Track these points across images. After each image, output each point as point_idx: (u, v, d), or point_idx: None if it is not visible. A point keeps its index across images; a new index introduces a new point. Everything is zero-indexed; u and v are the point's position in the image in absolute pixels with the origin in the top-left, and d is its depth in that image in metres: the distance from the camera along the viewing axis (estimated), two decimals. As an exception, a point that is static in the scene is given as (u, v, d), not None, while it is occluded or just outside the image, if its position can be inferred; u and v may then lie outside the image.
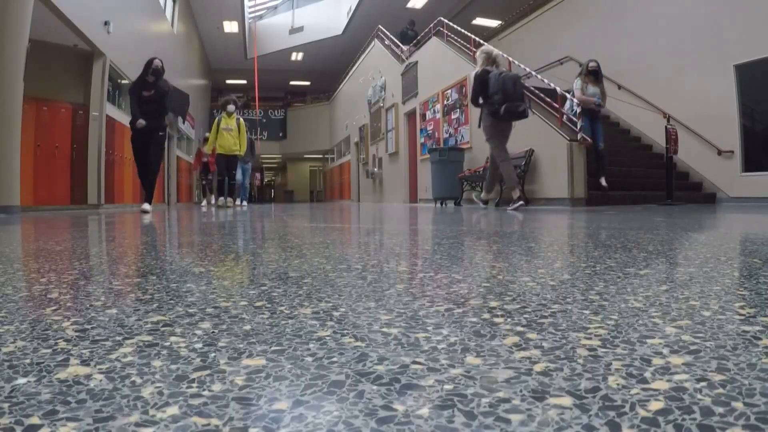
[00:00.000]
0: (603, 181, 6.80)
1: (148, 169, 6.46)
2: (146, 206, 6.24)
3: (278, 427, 0.35)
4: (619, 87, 8.95)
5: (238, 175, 11.46)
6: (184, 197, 16.67)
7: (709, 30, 7.36)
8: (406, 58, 12.97)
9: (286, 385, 0.43)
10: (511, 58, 8.54)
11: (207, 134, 9.20)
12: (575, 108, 6.89)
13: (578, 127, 6.73)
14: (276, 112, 25.25)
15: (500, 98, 5.57)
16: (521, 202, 5.73)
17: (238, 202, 11.54)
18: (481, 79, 5.76)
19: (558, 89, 7.20)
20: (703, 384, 0.42)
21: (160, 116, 6.48)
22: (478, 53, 6.27)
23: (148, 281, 1.02)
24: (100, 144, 8.96)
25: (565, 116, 7.11)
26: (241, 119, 9.19)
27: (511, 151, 7.79)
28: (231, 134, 8.88)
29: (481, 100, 5.89)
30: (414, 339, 0.57)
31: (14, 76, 5.75)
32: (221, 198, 9.03)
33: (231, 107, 9.00)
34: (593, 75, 7.18)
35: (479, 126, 6.20)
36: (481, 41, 10.29)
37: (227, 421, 0.36)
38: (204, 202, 12.69)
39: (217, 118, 9.03)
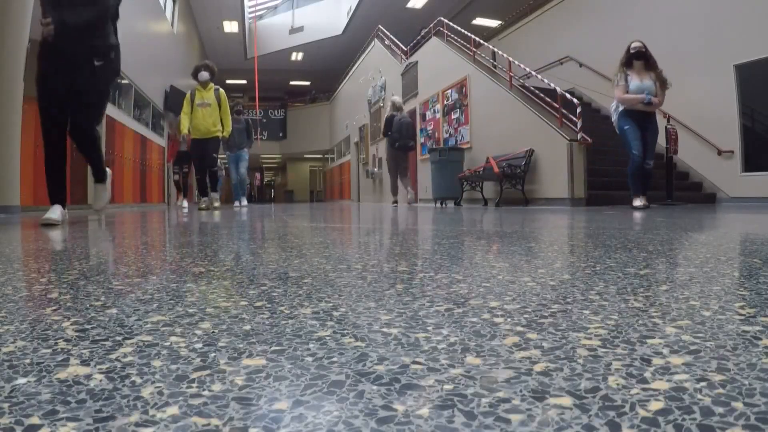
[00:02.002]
0: (639, 201, 5.31)
1: (76, 131, 3.17)
2: (55, 213, 3.00)
3: (278, 427, 0.35)
4: (619, 87, 8.94)
5: (233, 174, 9.47)
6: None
7: (709, 30, 7.36)
8: (406, 58, 12.97)
9: (286, 385, 0.43)
10: (511, 58, 8.55)
11: (179, 118, 7.02)
12: (621, 108, 5.44)
13: (578, 127, 6.73)
14: (276, 112, 25.25)
15: (397, 137, 8.49)
16: (396, 204, 8.71)
17: (236, 202, 9.49)
18: (389, 121, 8.70)
19: (558, 89, 7.21)
20: (703, 384, 0.42)
21: (99, 29, 3.11)
22: (389, 102, 9.15)
23: (148, 281, 1.01)
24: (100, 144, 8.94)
25: (564, 116, 7.11)
26: (222, 90, 7.01)
27: (511, 151, 7.82)
28: (208, 111, 6.74)
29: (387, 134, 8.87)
30: (414, 339, 0.57)
31: (14, 76, 5.75)
32: (204, 198, 6.97)
33: (204, 74, 6.77)
34: (640, 59, 5.35)
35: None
36: (481, 41, 10.31)
37: (227, 421, 0.36)
38: (183, 202, 10.15)
39: (188, 93, 6.91)
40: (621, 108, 5.46)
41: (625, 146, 5.48)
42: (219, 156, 9.31)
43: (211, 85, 6.91)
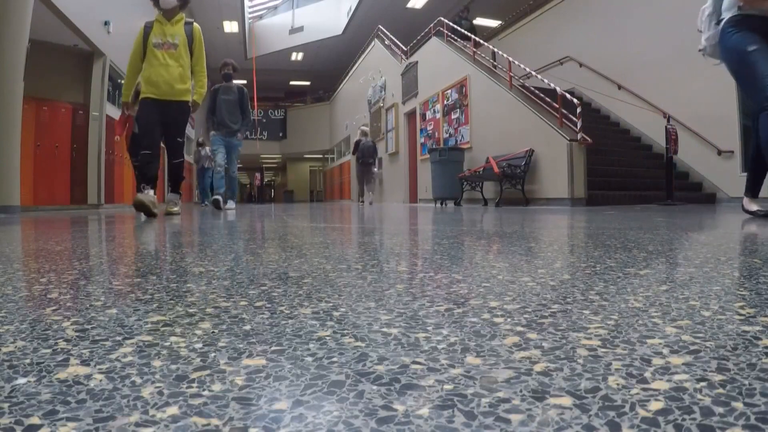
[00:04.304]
0: (753, 206, 3.29)
1: None
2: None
3: (278, 427, 0.35)
4: (620, 87, 8.96)
5: (219, 159, 6.89)
6: (184, 196, 16.66)
7: (709, 30, 7.35)
8: (406, 58, 12.97)
9: (286, 385, 0.43)
10: (511, 58, 8.56)
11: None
12: (735, 7, 2.97)
13: (578, 127, 6.72)
14: (276, 112, 25.25)
15: (360, 155, 11.71)
16: (365, 202, 11.50)
17: (228, 204, 7.03)
18: (356, 144, 11.88)
19: (558, 89, 7.21)
20: (703, 384, 0.42)
21: None
22: (359, 130, 12.21)
23: (148, 281, 1.01)
24: (100, 144, 8.97)
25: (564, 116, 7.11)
26: (196, 25, 4.43)
27: (511, 151, 7.82)
28: (173, 56, 4.19)
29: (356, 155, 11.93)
30: (414, 339, 0.57)
31: (14, 76, 5.76)
32: (149, 192, 4.16)
33: None
34: None
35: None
36: (481, 41, 10.31)
37: (227, 421, 0.36)
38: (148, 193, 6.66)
39: (142, 26, 4.28)
40: (731, 13, 3.02)
41: (744, 87, 3.08)
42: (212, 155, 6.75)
43: (181, 15, 4.32)
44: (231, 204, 7.18)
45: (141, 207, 4.08)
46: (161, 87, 4.21)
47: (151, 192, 4.24)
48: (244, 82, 23.97)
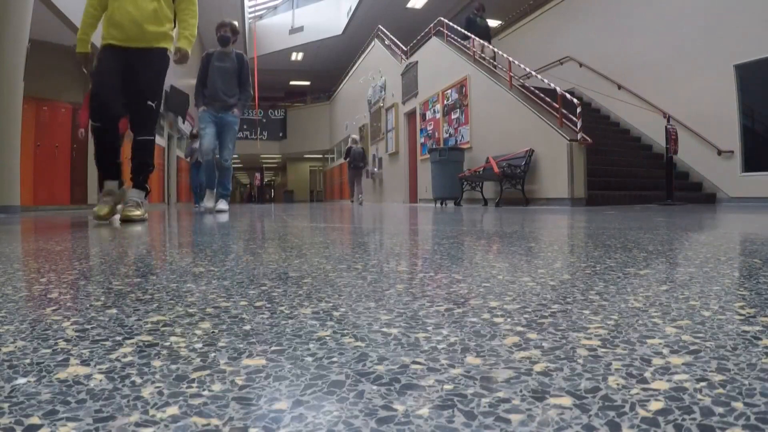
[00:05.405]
0: None
1: None
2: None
3: (278, 427, 0.35)
4: (619, 87, 8.96)
5: (206, 142, 5.51)
6: (184, 197, 16.67)
7: (709, 30, 7.37)
8: (406, 58, 12.97)
9: (286, 385, 0.43)
10: (511, 58, 8.56)
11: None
12: None
13: (578, 127, 6.72)
14: (276, 112, 25.25)
15: (351, 160, 13.37)
16: (356, 201, 13.14)
17: (203, 203, 5.89)
18: (348, 150, 13.60)
19: (558, 89, 7.21)
20: (703, 384, 0.42)
21: None
22: (350, 138, 13.98)
23: (148, 281, 1.01)
24: (100, 144, 8.95)
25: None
26: None
27: (511, 150, 7.82)
28: None
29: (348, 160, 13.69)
30: (414, 339, 0.57)
31: (14, 76, 5.75)
32: (113, 187, 3.32)
33: None
34: None
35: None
36: (482, 41, 10.30)
37: (227, 421, 0.36)
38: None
39: None
40: None
41: None
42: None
43: None
44: (222, 204, 5.65)
45: (102, 220, 3.17)
46: (126, 28, 3.12)
47: (115, 184, 3.28)
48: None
